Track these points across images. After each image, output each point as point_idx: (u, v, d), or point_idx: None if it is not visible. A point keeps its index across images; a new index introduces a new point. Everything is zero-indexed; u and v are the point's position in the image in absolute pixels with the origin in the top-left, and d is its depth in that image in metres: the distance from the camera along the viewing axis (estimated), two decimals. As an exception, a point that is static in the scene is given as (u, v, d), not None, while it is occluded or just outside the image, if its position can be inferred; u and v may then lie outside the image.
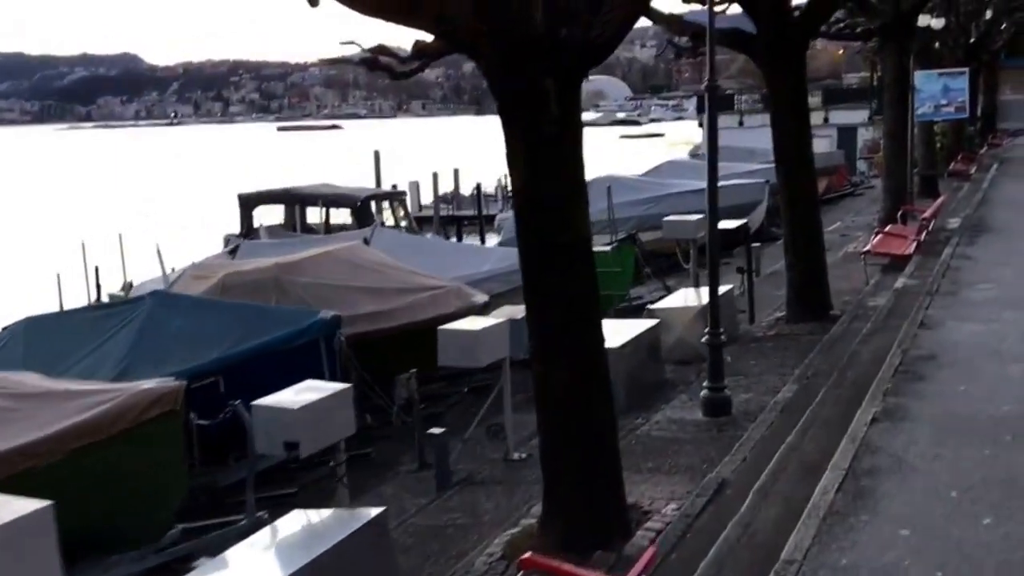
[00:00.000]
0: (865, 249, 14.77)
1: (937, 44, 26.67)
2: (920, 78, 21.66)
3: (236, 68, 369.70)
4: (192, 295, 11.76)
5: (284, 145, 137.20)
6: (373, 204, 31.18)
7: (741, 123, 44.64)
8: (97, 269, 21.77)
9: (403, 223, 31.35)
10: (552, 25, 5.92)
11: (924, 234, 15.22)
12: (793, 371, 10.19)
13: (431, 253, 15.28)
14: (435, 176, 39.56)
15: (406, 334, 11.50)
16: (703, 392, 9.19)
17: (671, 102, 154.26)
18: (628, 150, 72.73)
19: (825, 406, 7.89)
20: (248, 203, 30.33)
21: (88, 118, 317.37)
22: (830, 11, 12.91)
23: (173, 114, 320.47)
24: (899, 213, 16.97)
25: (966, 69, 22.75)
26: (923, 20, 19.83)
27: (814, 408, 7.88)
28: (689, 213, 22.89)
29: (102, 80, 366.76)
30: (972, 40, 28.68)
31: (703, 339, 9.39)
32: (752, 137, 41.12)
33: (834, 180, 32.25)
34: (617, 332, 10.96)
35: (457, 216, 36.95)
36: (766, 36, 12.29)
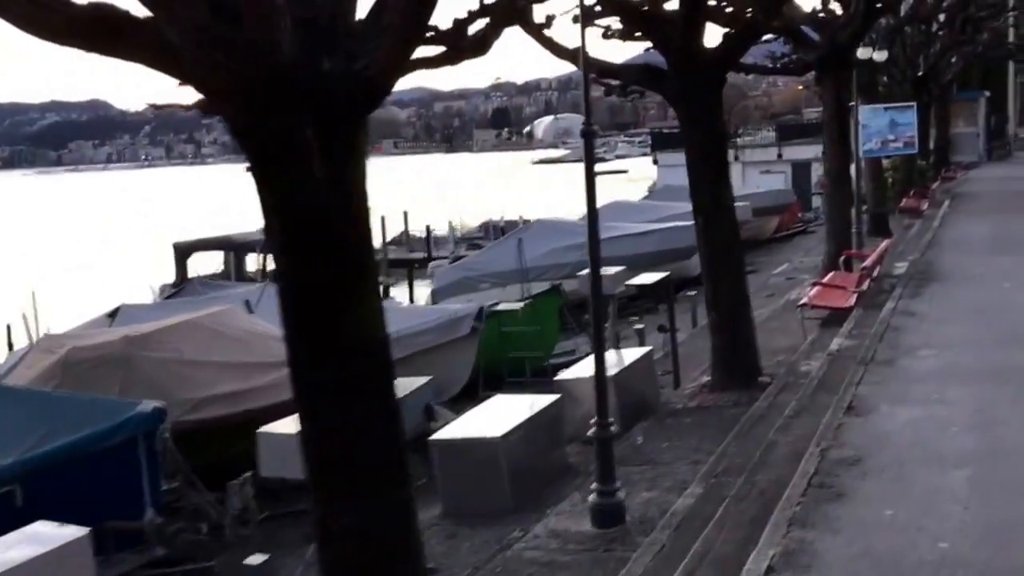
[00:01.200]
0: (802, 302, 13.40)
1: (886, 78, 25.67)
2: (866, 113, 20.51)
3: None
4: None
5: (250, 185, 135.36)
6: None
7: (697, 160, 43.48)
8: (9, 328, 20.04)
9: None
10: (308, 55, 4.46)
11: (867, 283, 13.88)
12: (708, 457, 8.79)
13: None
14: (382, 219, 38.11)
15: (266, 420, 10.00)
16: (591, 496, 7.70)
17: (637, 139, 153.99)
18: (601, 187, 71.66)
19: (723, 528, 6.40)
20: (183, 252, 29.05)
21: (59, 162, 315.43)
22: (746, 46, 11.60)
23: (144, 157, 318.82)
24: (842, 259, 15.65)
25: (913, 103, 21.62)
26: (863, 53, 18.63)
27: (710, 532, 6.39)
28: (631, 258, 21.93)
29: (73, 125, 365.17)
30: (921, 73, 27.66)
31: (589, 432, 7.93)
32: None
33: (786, 218, 31.15)
34: (508, 411, 9.53)
35: (407, 259, 35.58)
36: (678, 73, 10.99)
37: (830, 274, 15.01)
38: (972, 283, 14.11)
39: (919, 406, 8.13)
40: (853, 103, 20.37)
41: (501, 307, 13.30)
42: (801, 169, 37.07)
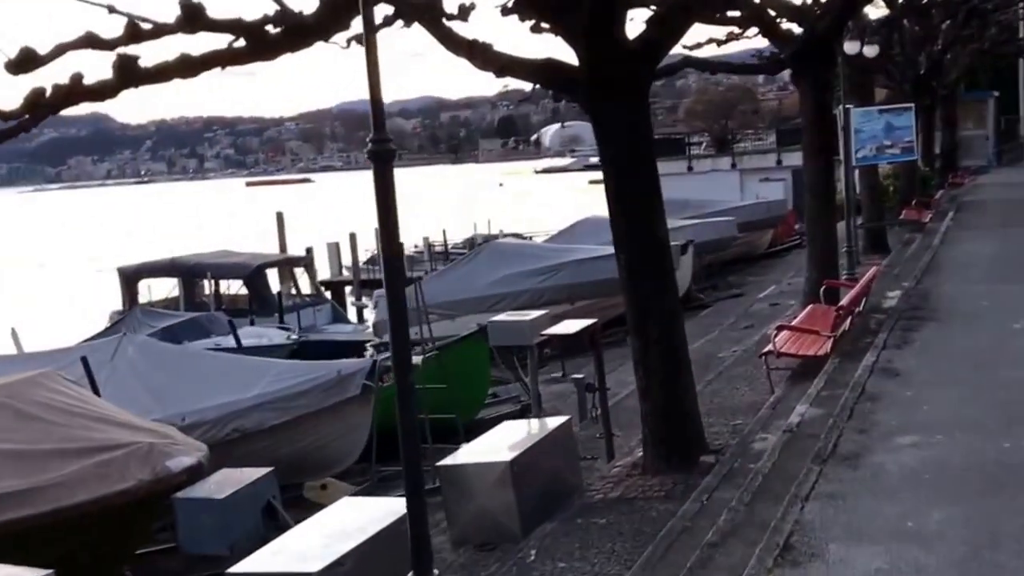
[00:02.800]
0: (767, 349, 10.91)
1: (884, 77, 23.15)
2: (858, 116, 18.05)
3: (210, 124, 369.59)
4: None
5: (249, 200, 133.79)
6: (275, 272, 27.79)
7: (690, 168, 41.10)
8: None
9: (306, 289, 27.79)
10: None
11: (845, 324, 11.40)
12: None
13: (190, 368, 11.38)
14: (352, 236, 35.83)
15: (47, 531, 7.62)
16: None
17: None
18: (585, 198, 69.33)
19: None
20: (130, 277, 26.88)
21: (58, 179, 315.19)
22: (676, 33, 9.11)
23: (143, 172, 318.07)
24: (823, 289, 13.16)
25: (911, 105, 19.07)
26: (851, 47, 16.22)
27: None
28: (590, 285, 19.43)
29: (72, 141, 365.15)
30: (922, 72, 25.03)
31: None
32: (701, 184, 37.66)
33: (780, 231, 28.54)
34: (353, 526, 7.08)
35: (378, 280, 33.17)
36: (589, 70, 8.58)
37: (805, 311, 12.51)
38: (974, 323, 11.52)
39: (883, 545, 5.50)
40: (848, 105, 18.01)
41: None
42: (801, 175, 34.54)
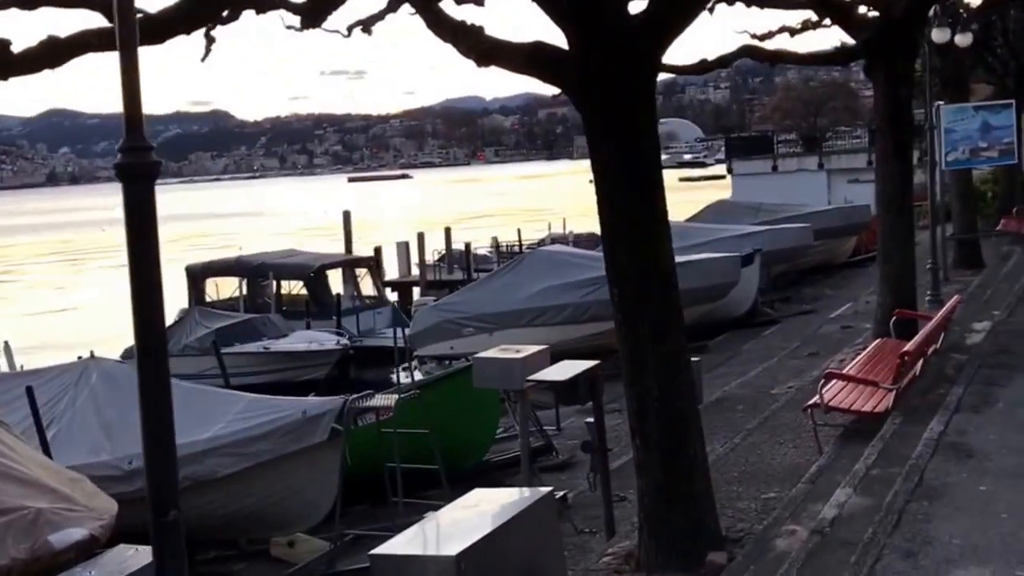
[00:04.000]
0: (814, 401, 8.99)
1: (983, 71, 20.59)
2: (950, 114, 15.83)
3: (321, 122, 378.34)
4: None
5: (348, 195, 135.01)
6: (338, 273, 26.88)
7: (775, 168, 38.56)
8: None
9: (369, 291, 26.80)
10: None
11: (917, 367, 9.41)
12: None
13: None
14: (420, 236, 34.65)
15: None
16: None
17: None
18: (673, 196, 66.93)
19: None
20: (197, 275, 26.45)
21: (179, 174, 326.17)
22: (690, 11, 7.27)
23: (256, 167, 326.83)
24: (892, 320, 11.12)
25: (1011, 101, 16.65)
26: (940, 36, 14.02)
27: None
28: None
29: (194, 137, 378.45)
30: (1027, 63, 22.17)
31: None
32: (784, 185, 35.23)
33: (864, 238, 25.92)
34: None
35: (446, 281, 31.98)
36: (579, 53, 6.90)
37: (870, 347, 10.52)
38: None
39: None
40: (939, 102, 15.82)
41: (376, 400, 9.32)
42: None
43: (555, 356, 8.73)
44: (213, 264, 28.03)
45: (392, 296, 32.41)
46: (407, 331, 18.95)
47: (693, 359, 13.30)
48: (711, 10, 15.29)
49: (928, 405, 8.74)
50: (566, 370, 8.33)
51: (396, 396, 9.27)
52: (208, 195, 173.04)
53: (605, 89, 6.82)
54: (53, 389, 10.45)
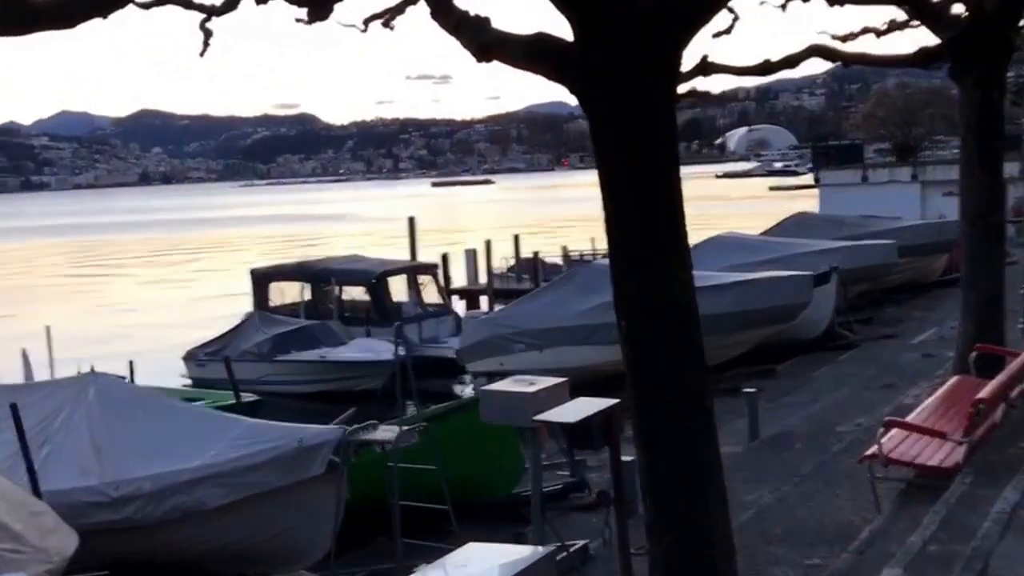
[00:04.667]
0: (871, 451, 7.78)
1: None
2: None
3: (406, 126, 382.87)
4: None
5: (429, 199, 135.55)
6: (401, 279, 26.32)
7: (865, 178, 36.64)
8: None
9: (433, 299, 26.17)
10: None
11: (996, 415, 8.11)
12: None
13: (146, 422, 9.35)
14: (488, 243, 33.79)
15: None
16: None
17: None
18: (765, 206, 64.96)
19: None
20: (261, 279, 26.30)
21: (268, 176, 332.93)
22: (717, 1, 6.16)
23: (342, 171, 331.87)
24: (972, 356, 9.78)
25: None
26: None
27: None
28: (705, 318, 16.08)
29: (282, 139, 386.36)
30: None
31: None
32: (874, 197, 33.36)
33: (956, 256, 24.12)
34: None
35: (515, 290, 31.10)
36: (583, 47, 5.88)
37: (946, 385, 9.23)
38: None
39: None
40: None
41: (380, 432, 8.40)
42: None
43: (606, 378, 7.71)
44: (277, 268, 27.88)
45: (459, 304, 31.69)
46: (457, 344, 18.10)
47: (748, 390, 12.24)
48: (783, 7, 14.08)
49: (1006, 463, 7.47)
50: (580, 409, 7.28)
51: (398, 429, 8.34)
52: (294, 197, 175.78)
53: (612, 93, 5.75)
54: (51, 405, 9.82)
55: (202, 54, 8.70)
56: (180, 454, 8.74)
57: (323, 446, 8.39)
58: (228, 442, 8.75)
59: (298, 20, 8.35)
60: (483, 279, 33.31)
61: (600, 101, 5.95)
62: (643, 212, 5.91)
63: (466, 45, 6.61)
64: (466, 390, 19.90)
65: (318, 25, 6.94)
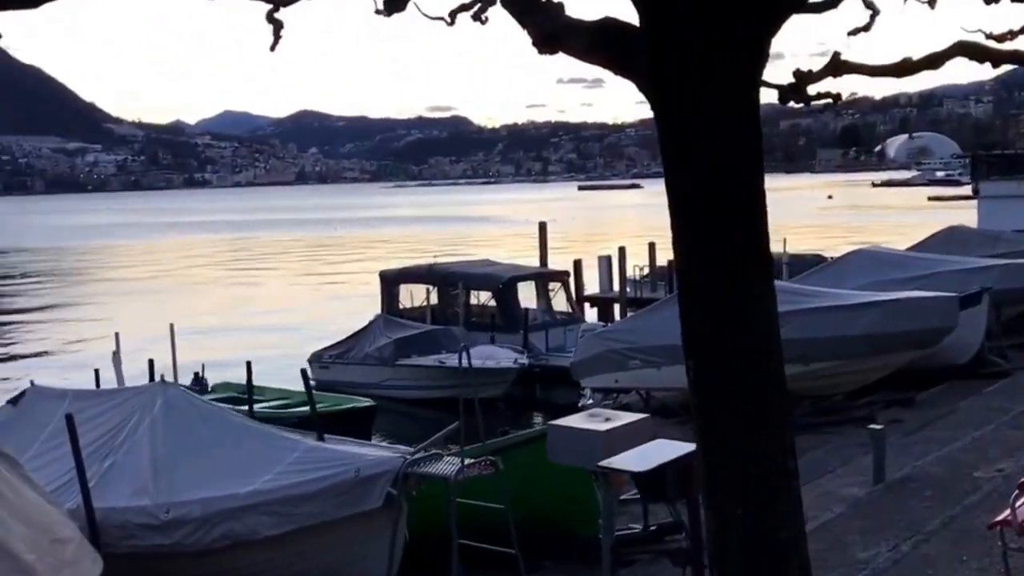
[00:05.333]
0: (1002, 518, 6.47)
1: None
2: None
3: (557, 130, 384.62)
4: None
5: (576, 203, 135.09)
6: (529, 285, 25.72)
7: (1031, 191, 33.52)
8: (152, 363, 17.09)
9: (563, 307, 25.47)
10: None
11: None
12: None
13: (207, 438, 8.84)
14: (622, 250, 32.67)
15: None
16: None
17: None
18: (921, 217, 61.43)
19: None
20: (390, 281, 26.28)
21: (419, 177, 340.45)
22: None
23: (492, 174, 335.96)
24: None
25: None
26: None
27: None
28: (835, 342, 14.67)
29: (434, 141, 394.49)
30: None
31: None
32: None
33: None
34: None
35: (648, 299, 29.94)
36: (652, 28, 4.89)
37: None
38: None
39: None
40: None
41: (441, 466, 7.54)
42: None
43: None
44: (407, 270, 27.68)
45: (591, 313, 30.76)
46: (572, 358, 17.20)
47: (875, 427, 10.86)
48: (931, 3, 12.58)
49: None
50: (655, 454, 6.31)
51: (459, 463, 7.52)
52: (443, 199, 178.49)
53: (683, 84, 4.77)
54: (121, 414, 9.48)
55: (272, 48, 8.10)
56: (235, 477, 8.19)
57: (381, 477, 7.68)
58: (285, 466, 8.15)
59: (377, 12, 7.69)
60: (617, 287, 32.25)
61: (669, 95, 4.96)
62: (716, 227, 4.87)
63: (530, 35, 5.74)
64: (585, 403, 19.07)
65: (473, 28, 6.08)
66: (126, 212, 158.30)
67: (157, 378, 16.73)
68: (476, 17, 10.68)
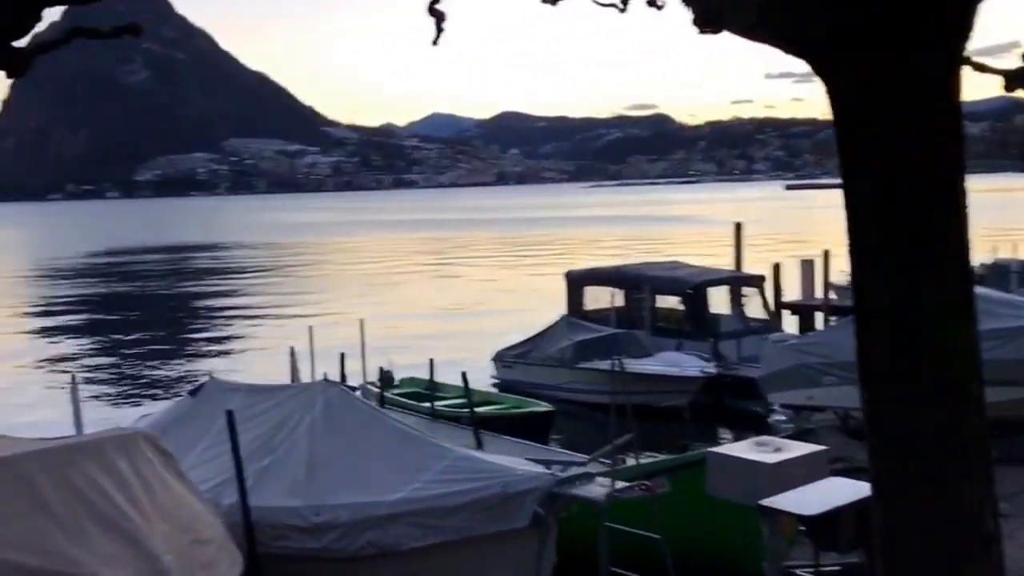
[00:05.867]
0: None
1: None
2: None
3: (763, 126, 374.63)
4: None
5: (781, 203, 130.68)
6: (722, 290, 24.76)
7: None
8: (343, 356, 17.52)
9: (758, 314, 24.39)
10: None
11: None
12: None
13: (363, 440, 8.59)
14: (825, 254, 30.82)
15: None
16: None
17: None
18: None
19: None
20: (575, 281, 26.04)
21: (618, 177, 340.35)
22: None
23: (692, 173, 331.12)
24: None
25: None
26: None
27: None
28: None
29: (634, 140, 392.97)
30: None
31: None
32: None
33: None
34: None
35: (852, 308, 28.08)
36: (834, 10, 4.14)
37: None
38: None
39: None
40: None
41: (592, 487, 6.91)
42: None
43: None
44: (592, 272, 27.17)
45: (790, 321, 29.25)
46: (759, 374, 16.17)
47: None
48: None
49: None
50: (828, 496, 5.45)
51: (610, 485, 6.89)
52: (641, 198, 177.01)
53: (868, 65, 3.98)
54: (283, 412, 9.42)
55: (435, 42, 7.76)
56: (384, 483, 7.90)
57: (528, 495, 7.16)
58: (433, 475, 7.78)
59: (543, 0, 7.23)
60: (820, 294, 30.44)
61: (851, 79, 4.17)
62: (903, 236, 4.05)
63: (693, 12, 5.07)
64: (777, 419, 17.97)
65: (676, 24, 5.35)
66: (338, 211, 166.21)
67: (348, 376, 17.04)
68: (651, 3, 9.86)
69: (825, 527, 5.25)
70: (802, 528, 5.32)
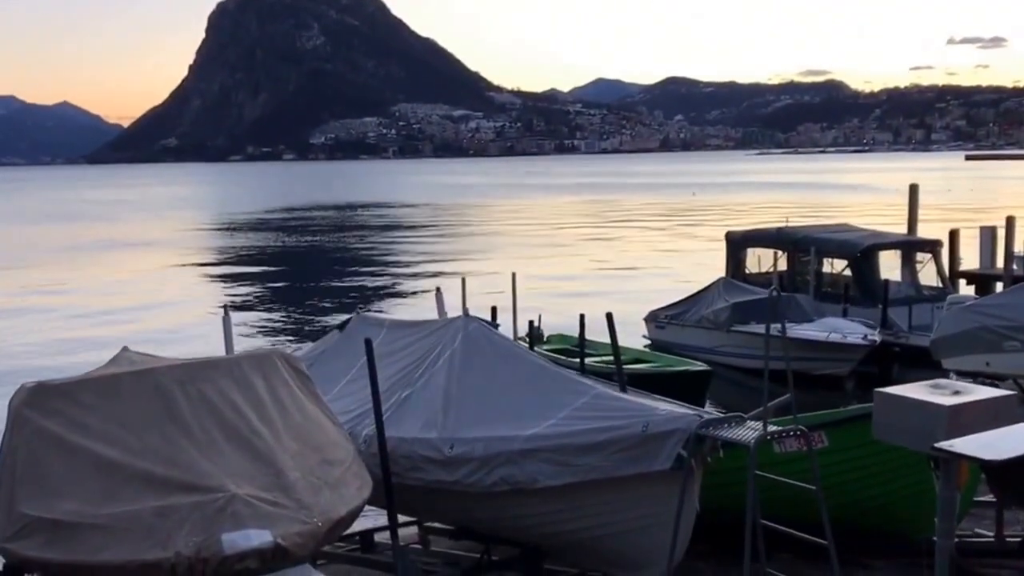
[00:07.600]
0: None
1: None
2: None
3: (944, 94, 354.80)
4: None
5: (961, 173, 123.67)
6: (893, 255, 23.39)
7: None
8: (494, 309, 17.56)
9: (931, 281, 22.94)
10: None
11: None
12: None
13: (502, 375, 8.26)
14: (1010, 220, 28.58)
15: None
16: None
17: None
18: None
19: None
20: (737, 243, 25.21)
21: (786, 144, 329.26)
22: None
23: (866, 142, 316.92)
24: None
25: None
26: None
27: None
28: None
29: (805, 107, 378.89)
30: None
31: None
32: None
33: None
34: None
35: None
36: None
37: None
38: None
39: None
40: None
41: (742, 430, 6.36)
42: None
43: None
44: (755, 232, 26.09)
45: (967, 290, 27.30)
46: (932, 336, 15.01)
47: None
48: None
49: None
50: (1017, 441, 4.74)
51: (758, 431, 6.31)
52: (810, 167, 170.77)
53: None
54: (424, 346, 9.23)
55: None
56: (520, 418, 7.57)
57: (671, 436, 6.67)
58: (570, 411, 7.39)
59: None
60: (1001, 263, 28.25)
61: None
62: None
63: None
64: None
65: None
66: (500, 175, 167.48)
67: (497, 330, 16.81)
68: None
69: (1011, 476, 4.57)
70: (983, 477, 4.64)
